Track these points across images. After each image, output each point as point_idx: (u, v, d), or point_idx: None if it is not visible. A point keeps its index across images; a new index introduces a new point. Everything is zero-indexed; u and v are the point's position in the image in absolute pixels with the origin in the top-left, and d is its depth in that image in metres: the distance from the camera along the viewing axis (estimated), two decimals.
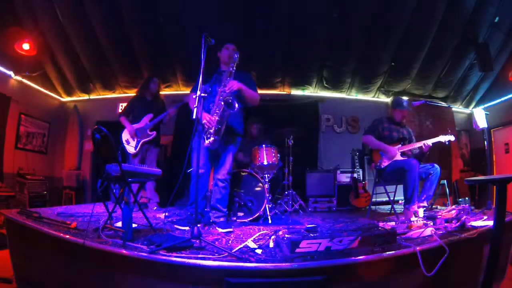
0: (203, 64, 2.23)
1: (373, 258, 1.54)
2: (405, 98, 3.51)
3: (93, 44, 4.88)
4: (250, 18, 4.65)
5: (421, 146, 3.10)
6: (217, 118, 2.49)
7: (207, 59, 2.20)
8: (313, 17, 4.60)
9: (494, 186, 1.79)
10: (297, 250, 1.52)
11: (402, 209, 3.06)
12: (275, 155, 3.48)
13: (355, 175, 4.74)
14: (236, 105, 2.45)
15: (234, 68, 2.53)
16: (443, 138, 3.07)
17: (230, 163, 2.70)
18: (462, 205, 2.49)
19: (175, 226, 2.51)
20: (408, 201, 2.87)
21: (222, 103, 2.44)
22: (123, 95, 5.88)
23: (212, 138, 2.52)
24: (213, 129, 2.50)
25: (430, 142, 3.06)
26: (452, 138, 3.06)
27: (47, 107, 5.68)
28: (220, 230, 2.44)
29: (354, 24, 4.72)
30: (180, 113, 4.00)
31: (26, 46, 4.39)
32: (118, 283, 1.63)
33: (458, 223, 2.05)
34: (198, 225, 1.83)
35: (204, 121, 2.49)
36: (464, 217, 2.18)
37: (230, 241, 2.04)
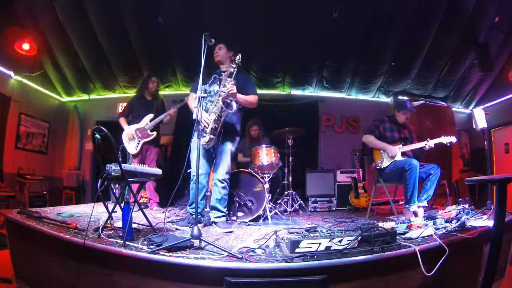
0: (203, 64, 2.25)
1: (373, 258, 1.54)
2: (405, 98, 3.51)
3: (93, 44, 4.88)
4: (250, 18, 4.66)
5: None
6: (214, 117, 2.49)
7: (207, 59, 2.20)
8: (313, 17, 4.60)
9: (494, 186, 1.78)
10: (297, 250, 1.52)
11: (402, 209, 3.06)
12: (275, 155, 3.48)
13: (355, 175, 4.74)
14: (234, 106, 2.45)
15: (236, 69, 2.52)
16: (444, 140, 3.06)
17: (228, 163, 2.69)
18: (462, 205, 2.48)
19: (175, 226, 2.52)
20: (408, 201, 2.87)
21: (221, 102, 2.44)
22: (123, 95, 5.88)
23: (208, 137, 2.52)
24: (209, 127, 2.50)
25: (432, 143, 3.05)
26: (453, 139, 3.05)
27: (47, 107, 5.68)
28: (220, 230, 2.44)
29: (354, 24, 4.72)
30: (180, 113, 4.00)
31: (26, 46, 4.40)
32: (118, 283, 1.63)
33: (458, 223, 2.05)
34: (198, 225, 1.83)
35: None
36: (464, 217, 2.18)
37: (230, 241, 2.04)
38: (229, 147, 2.70)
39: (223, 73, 2.65)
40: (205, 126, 2.50)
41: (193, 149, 2.55)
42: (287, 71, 5.63)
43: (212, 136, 2.52)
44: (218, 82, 2.67)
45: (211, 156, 2.74)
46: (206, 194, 2.97)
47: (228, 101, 2.43)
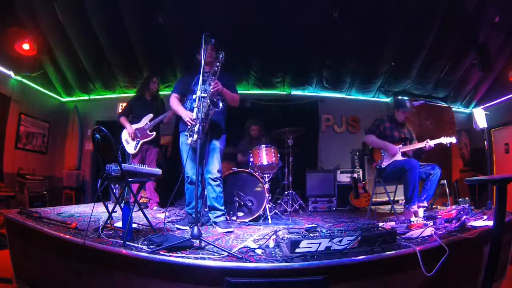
0: (203, 64, 2.24)
1: (373, 258, 1.54)
2: (405, 98, 3.51)
3: (93, 44, 4.88)
4: (250, 18, 4.65)
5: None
6: (202, 116, 2.49)
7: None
8: (313, 17, 4.60)
9: (494, 186, 1.78)
10: (297, 250, 1.52)
11: (402, 209, 3.06)
12: (275, 155, 3.48)
13: (355, 175, 4.74)
14: (221, 104, 2.48)
15: (219, 67, 2.53)
16: (444, 140, 3.06)
17: (219, 160, 2.69)
18: (462, 205, 2.48)
19: (176, 225, 2.52)
20: (408, 201, 2.87)
21: (208, 101, 2.44)
22: (123, 95, 5.87)
23: (195, 136, 2.52)
24: (196, 126, 2.50)
25: (432, 143, 3.05)
26: (453, 140, 3.04)
27: (47, 107, 5.68)
28: (220, 230, 2.44)
29: (354, 24, 4.71)
30: None
31: (26, 46, 4.39)
32: (118, 283, 1.63)
33: (458, 223, 2.05)
34: (198, 225, 1.83)
35: (187, 119, 2.53)
36: (464, 217, 2.18)
37: (230, 241, 2.04)
38: (217, 145, 2.71)
39: (206, 74, 2.64)
40: (192, 125, 2.51)
41: (184, 151, 2.65)
42: (287, 71, 5.62)
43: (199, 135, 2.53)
44: (203, 82, 2.68)
45: (202, 156, 2.72)
46: (203, 194, 2.96)
47: (215, 99, 2.46)
